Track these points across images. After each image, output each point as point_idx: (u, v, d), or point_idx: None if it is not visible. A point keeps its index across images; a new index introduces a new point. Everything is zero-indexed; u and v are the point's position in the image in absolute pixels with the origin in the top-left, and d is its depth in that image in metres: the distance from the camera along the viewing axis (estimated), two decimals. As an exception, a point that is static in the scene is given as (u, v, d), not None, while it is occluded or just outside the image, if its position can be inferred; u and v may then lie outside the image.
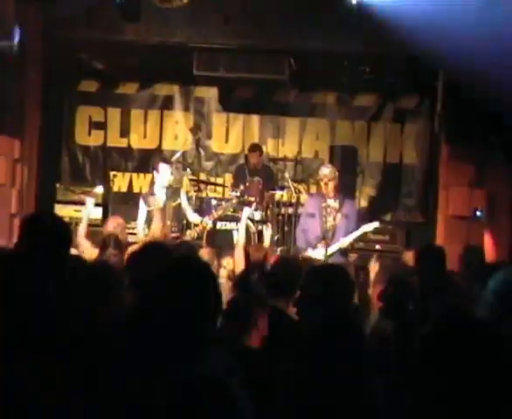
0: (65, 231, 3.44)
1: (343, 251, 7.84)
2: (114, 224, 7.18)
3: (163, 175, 8.62)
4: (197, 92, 11.37)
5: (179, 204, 8.67)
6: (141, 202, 8.61)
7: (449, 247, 6.78)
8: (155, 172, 8.78)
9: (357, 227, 7.87)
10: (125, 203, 10.48)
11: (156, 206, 8.00)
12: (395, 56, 9.28)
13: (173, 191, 8.74)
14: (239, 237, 7.36)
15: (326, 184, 7.90)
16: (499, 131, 8.37)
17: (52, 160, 10.96)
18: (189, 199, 9.65)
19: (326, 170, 7.99)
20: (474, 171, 8.96)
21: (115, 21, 9.18)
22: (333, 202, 7.88)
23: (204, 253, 6.56)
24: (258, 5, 9.41)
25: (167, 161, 9.40)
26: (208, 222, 8.53)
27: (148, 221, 8.44)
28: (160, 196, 8.48)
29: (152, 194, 8.64)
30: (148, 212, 8.47)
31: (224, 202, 9.49)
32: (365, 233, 8.07)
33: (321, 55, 9.65)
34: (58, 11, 9.04)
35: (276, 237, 9.80)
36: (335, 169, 8.12)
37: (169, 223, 8.43)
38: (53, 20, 9.34)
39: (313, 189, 10.70)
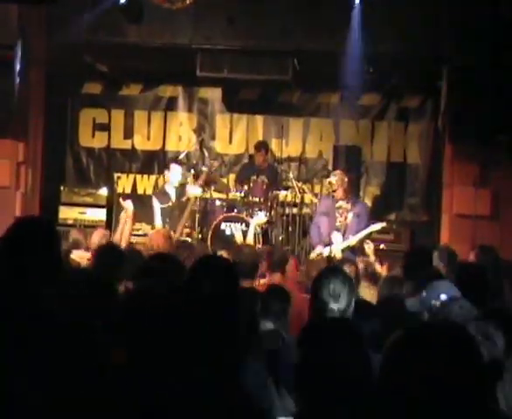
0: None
1: (354, 250, 7.92)
2: (99, 236, 7.02)
3: (174, 175, 8.99)
4: (200, 93, 11.36)
5: (188, 199, 8.98)
6: (155, 200, 8.90)
7: (454, 246, 6.81)
8: (166, 171, 9.21)
9: (367, 226, 7.98)
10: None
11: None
12: (399, 55, 9.26)
13: (181, 189, 9.09)
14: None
15: (334, 191, 8.15)
16: (503, 130, 8.35)
17: (57, 162, 10.97)
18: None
19: (333, 179, 8.20)
20: (479, 170, 8.94)
21: (118, 23, 9.20)
22: (344, 204, 8.12)
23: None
24: (261, 6, 9.40)
25: (179, 162, 9.59)
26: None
27: (164, 217, 8.73)
28: (171, 194, 8.91)
29: (164, 192, 9.00)
30: (163, 209, 8.70)
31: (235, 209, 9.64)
32: (372, 232, 8.16)
33: (325, 55, 9.62)
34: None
35: (281, 238, 9.81)
36: (344, 175, 8.24)
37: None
38: (57, 22, 9.34)
39: (317, 189, 10.71)
